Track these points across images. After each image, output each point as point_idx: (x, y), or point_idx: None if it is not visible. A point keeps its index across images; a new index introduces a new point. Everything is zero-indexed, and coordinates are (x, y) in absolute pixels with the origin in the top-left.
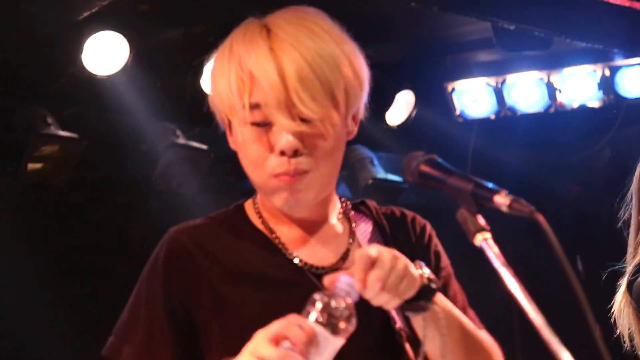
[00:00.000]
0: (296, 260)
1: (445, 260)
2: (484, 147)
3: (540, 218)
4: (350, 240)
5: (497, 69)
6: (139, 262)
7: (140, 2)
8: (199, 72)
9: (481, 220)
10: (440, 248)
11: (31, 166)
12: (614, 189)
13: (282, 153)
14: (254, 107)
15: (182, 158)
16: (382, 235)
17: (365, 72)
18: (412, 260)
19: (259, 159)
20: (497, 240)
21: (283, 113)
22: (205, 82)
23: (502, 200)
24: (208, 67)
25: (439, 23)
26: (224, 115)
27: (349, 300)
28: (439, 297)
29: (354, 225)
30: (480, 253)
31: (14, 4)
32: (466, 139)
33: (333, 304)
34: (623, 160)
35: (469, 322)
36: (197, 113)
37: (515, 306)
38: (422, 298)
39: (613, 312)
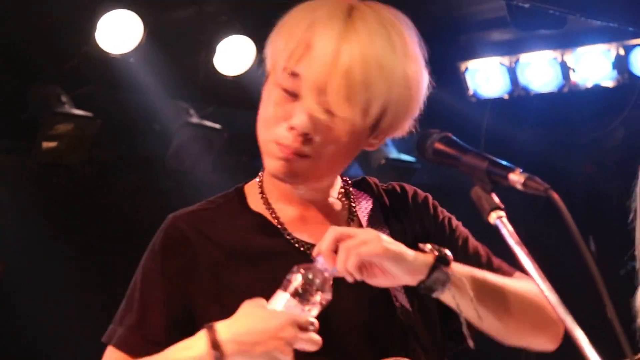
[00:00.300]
0: (294, 241)
1: (456, 222)
2: (497, 126)
3: (555, 196)
4: (350, 218)
5: (511, 48)
6: (150, 239)
7: None
8: (212, 51)
9: (496, 199)
10: (447, 214)
11: (46, 145)
12: (627, 169)
13: (292, 129)
14: (293, 75)
15: (196, 137)
16: (383, 211)
17: (419, 101)
18: (418, 234)
19: (271, 121)
20: (511, 220)
21: (313, 95)
22: (219, 61)
23: (517, 178)
24: (221, 46)
25: (453, 1)
26: (268, 64)
27: (326, 274)
28: (457, 266)
29: (353, 204)
30: (494, 232)
31: None
32: (479, 119)
33: (310, 276)
34: (636, 140)
35: (497, 278)
36: (210, 92)
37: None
38: (436, 271)
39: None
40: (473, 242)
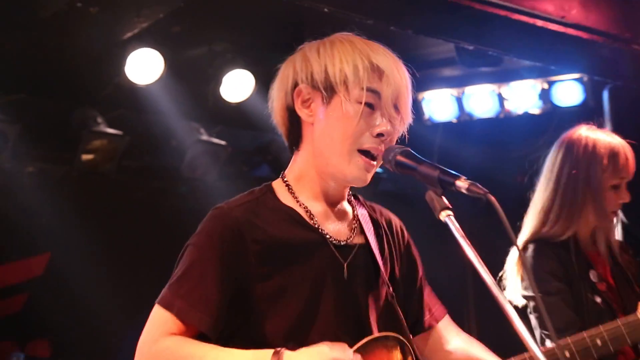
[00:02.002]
0: (323, 232)
1: (420, 262)
2: (446, 145)
3: (492, 199)
4: (356, 220)
5: (458, 82)
6: (170, 234)
7: (173, 25)
8: (219, 82)
9: (445, 201)
10: (415, 250)
11: (84, 157)
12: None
13: (380, 135)
14: (372, 91)
15: (205, 151)
16: (373, 222)
17: None
18: (393, 254)
19: (355, 132)
20: (457, 218)
21: (392, 106)
22: (226, 91)
23: (462, 184)
24: (227, 78)
25: (412, 44)
26: (331, 87)
27: None
28: None
29: (356, 209)
30: (444, 229)
31: (73, 26)
32: (433, 139)
33: None
34: None
35: None
36: (217, 115)
37: (471, 269)
38: None
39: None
40: (426, 284)
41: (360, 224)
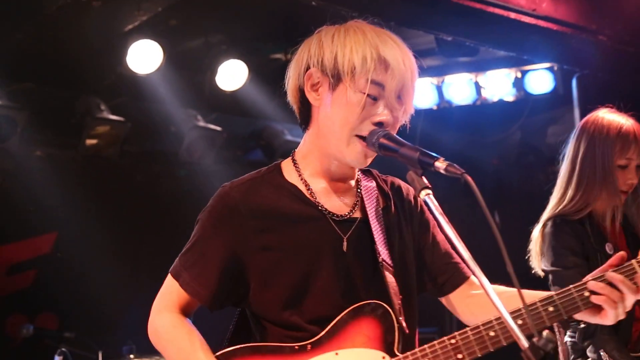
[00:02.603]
0: (322, 208)
1: (434, 225)
2: (427, 130)
3: (469, 178)
4: (359, 196)
5: (438, 71)
6: (169, 214)
7: (171, 18)
8: (214, 72)
9: (425, 180)
10: (429, 214)
11: (89, 142)
12: (523, 162)
13: (379, 124)
14: (376, 83)
15: (202, 137)
16: (382, 194)
17: None
18: (401, 221)
19: (355, 120)
20: (437, 197)
21: (394, 97)
22: (221, 80)
23: (440, 164)
24: (222, 68)
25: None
26: (338, 75)
27: None
28: None
29: (361, 184)
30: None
31: (77, 19)
32: (415, 124)
33: None
34: (530, 140)
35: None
36: (213, 103)
37: (450, 245)
38: None
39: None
40: (444, 244)
41: (362, 199)
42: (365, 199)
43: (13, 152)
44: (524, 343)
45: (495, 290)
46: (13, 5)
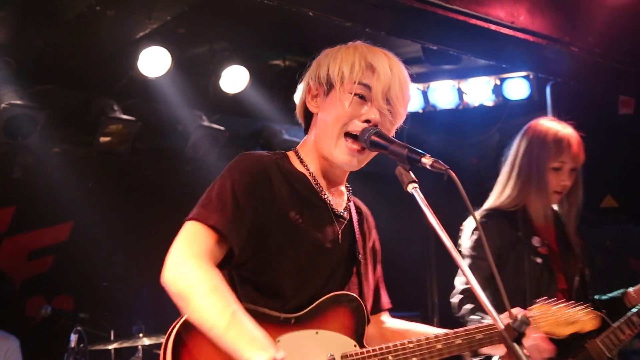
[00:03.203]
0: (327, 198)
1: (380, 251)
2: (414, 132)
3: (452, 174)
4: (348, 200)
5: (424, 78)
6: (175, 206)
7: (179, 26)
8: (218, 76)
9: (412, 175)
10: (378, 242)
11: (102, 139)
12: (501, 162)
13: (367, 121)
14: (363, 85)
15: (206, 136)
16: (356, 208)
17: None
18: (366, 239)
19: (344, 119)
20: (424, 192)
21: (382, 98)
22: (224, 84)
23: (426, 161)
24: (225, 73)
25: (383, 44)
26: (331, 83)
27: None
28: None
29: (348, 192)
30: (410, 201)
31: (93, 27)
32: (402, 126)
33: None
34: (507, 142)
35: None
36: (217, 104)
37: (433, 234)
38: None
39: None
40: (380, 268)
41: (349, 204)
42: (351, 206)
43: (33, 148)
44: (501, 325)
45: (404, 326)
46: (35, 14)
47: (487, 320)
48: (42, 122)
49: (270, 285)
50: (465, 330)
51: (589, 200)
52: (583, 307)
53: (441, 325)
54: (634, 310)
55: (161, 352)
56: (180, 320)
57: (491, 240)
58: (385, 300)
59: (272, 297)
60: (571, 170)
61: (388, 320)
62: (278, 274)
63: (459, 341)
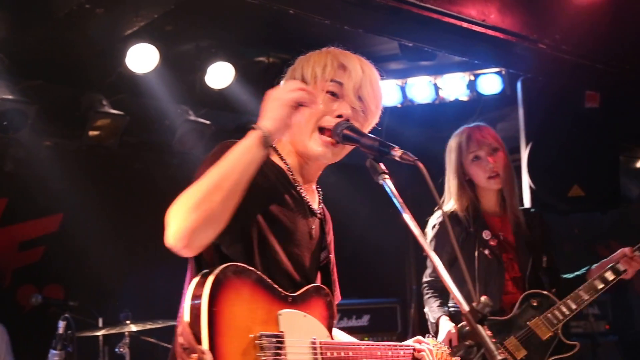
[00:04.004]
0: (302, 193)
1: (333, 250)
2: (392, 126)
3: (421, 165)
4: (320, 199)
5: (402, 73)
6: (163, 198)
7: (166, 24)
8: (204, 72)
9: (383, 167)
10: (333, 243)
11: (91, 133)
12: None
13: (339, 116)
14: (335, 82)
15: (193, 129)
16: (323, 208)
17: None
18: (326, 233)
19: (317, 114)
20: (399, 186)
21: (353, 94)
22: (210, 80)
23: (396, 152)
24: (211, 69)
25: (363, 42)
26: (304, 82)
27: None
28: None
29: (319, 192)
30: (380, 190)
31: (83, 24)
32: (381, 121)
33: None
34: None
35: None
36: (203, 99)
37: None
38: None
39: None
40: (334, 263)
41: (319, 202)
42: (321, 202)
43: (24, 142)
44: (465, 306)
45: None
46: (26, 11)
47: (434, 314)
48: (32, 116)
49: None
50: (394, 345)
51: (557, 190)
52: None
53: (419, 310)
54: (587, 282)
55: (188, 301)
56: (215, 270)
57: (446, 241)
58: (337, 293)
59: None
60: (491, 152)
61: None
62: (261, 258)
63: (390, 353)
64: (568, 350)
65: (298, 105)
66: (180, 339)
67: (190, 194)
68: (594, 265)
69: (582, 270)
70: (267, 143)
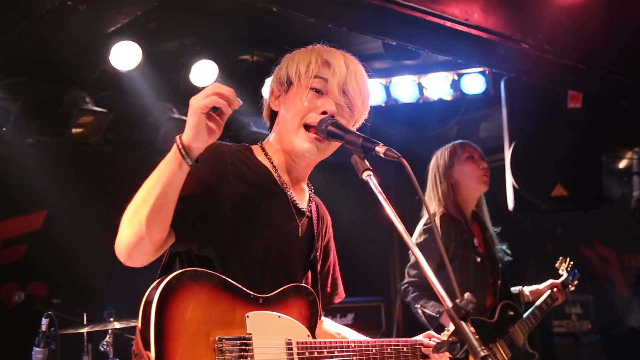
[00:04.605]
0: (287, 192)
1: (333, 249)
2: (377, 125)
3: (404, 162)
4: (310, 197)
5: (386, 73)
6: None
7: (150, 21)
8: (188, 70)
9: (367, 163)
10: (333, 241)
11: (75, 130)
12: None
13: (324, 113)
14: (320, 78)
15: (177, 127)
16: (316, 205)
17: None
18: (320, 234)
19: (304, 112)
20: (384, 184)
21: (338, 90)
22: (194, 78)
23: (380, 149)
24: (195, 67)
25: (347, 41)
26: (290, 81)
27: None
28: None
29: (310, 190)
30: (365, 189)
31: (65, 21)
32: (366, 119)
33: None
34: (465, 134)
35: None
36: (187, 97)
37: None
38: None
39: None
40: (335, 260)
41: (309, 201)
42: (311, 202)
43: (7, 139)
44: (448, 303)
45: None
46: (7, 7)
47: (436, 308)
48: (15, 113)
49: (225, 268)
50: (396, 341)
51: (540, 189)
52: None
53: (402, 309)
54: (537, 303)
55: (141, 308)
56: (170, 275)
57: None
58: (324, 303)
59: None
60: (483, 157)
61: (325, 320)
62: (235, 261)
63: (389, 349)
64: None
65: (215, 110)
66: (133, 345)
67: (128, 207)
68: (527, 289)
69: (516, 289)
70: (186, 154)
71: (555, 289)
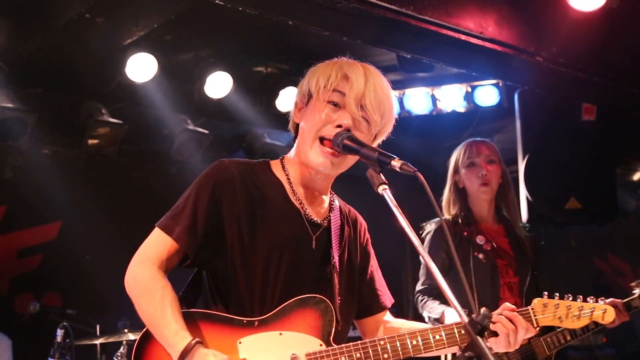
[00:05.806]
0: (299, 207)
1: (373, 257)
2: (389, 137)
3: (420, 175)
4: (328, 209)
5: (400, 85)
6: (161, 207)
7: (166, 34)
8: (203, 82)
9: (382, 177)
10: (371, 248)
11: (91, 142)
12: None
13: (339, 126)
14: (338, 92)
15: (191, 139)
16: (342, 216)
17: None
18: (354, 258)
19: (321, 124)
20: (398, 196)
21: (355, 104)
22: (209, 89)
23: (396, 163)
24: (210, 79)
25: (361, 53)
26: (310, 93)
27: None
28: None
29: (333, 202)
30: (378, 204)
31: (83, 34)
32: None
33: None
34: None
35: None
36: (201, 109)
37: (408, 240)
38: None
39: None
40: (379, 275)
41: (330, 212)
42: (332, 214)
43: (23, 150)
44: (465, 318)
45: (399, 324)
46: (27, 20)
47: (437, 310)
48: (32, 124)
49: (236, 289)
50: (424, 330)
51: (554, 202)
52: (592, 300)
53: (415, 319)
54: None
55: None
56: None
57: (440, 246)
58: (384, 300)
59: (238, 300)
60: (487, 162)
61: (390, 319)
62: (240, 277)
63: (437, 337)
64: None
65: None
66: None
67: (138, 304)
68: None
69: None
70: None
71: (616, 307)
